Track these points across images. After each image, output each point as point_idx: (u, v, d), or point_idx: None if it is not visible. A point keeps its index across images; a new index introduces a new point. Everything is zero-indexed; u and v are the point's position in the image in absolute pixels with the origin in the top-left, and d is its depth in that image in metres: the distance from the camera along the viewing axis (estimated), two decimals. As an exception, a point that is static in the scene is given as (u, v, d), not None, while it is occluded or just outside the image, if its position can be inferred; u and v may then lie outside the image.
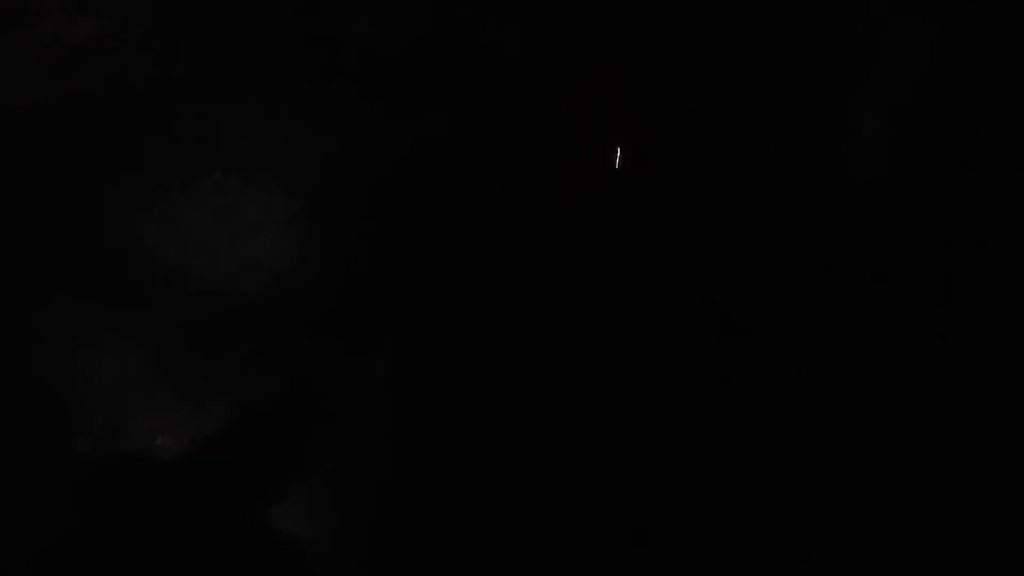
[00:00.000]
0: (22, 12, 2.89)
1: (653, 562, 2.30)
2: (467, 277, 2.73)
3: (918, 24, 2.78)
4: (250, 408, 2.47)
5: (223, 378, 2.57)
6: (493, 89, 2.94)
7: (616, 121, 2.88)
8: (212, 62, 3.02)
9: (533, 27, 2.99)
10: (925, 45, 2.76)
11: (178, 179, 2.86)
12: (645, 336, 2.58)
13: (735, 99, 2.82)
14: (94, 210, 2.81)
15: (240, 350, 2.61)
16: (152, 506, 2.29)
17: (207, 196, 2.86)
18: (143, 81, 2.92)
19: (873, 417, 2.45)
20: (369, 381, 2.56)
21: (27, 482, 2.34)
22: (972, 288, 2.57)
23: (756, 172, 2.77)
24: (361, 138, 2.97)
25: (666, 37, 2.90)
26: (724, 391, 2.49)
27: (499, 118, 2.94)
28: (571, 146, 2.87)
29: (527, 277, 2.72)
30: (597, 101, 2.91)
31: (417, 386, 2.57)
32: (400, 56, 3.05)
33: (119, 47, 2.96)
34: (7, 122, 2.85)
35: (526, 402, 2.53)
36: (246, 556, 2.25)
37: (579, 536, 2.36)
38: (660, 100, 2.87)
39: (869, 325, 2.55)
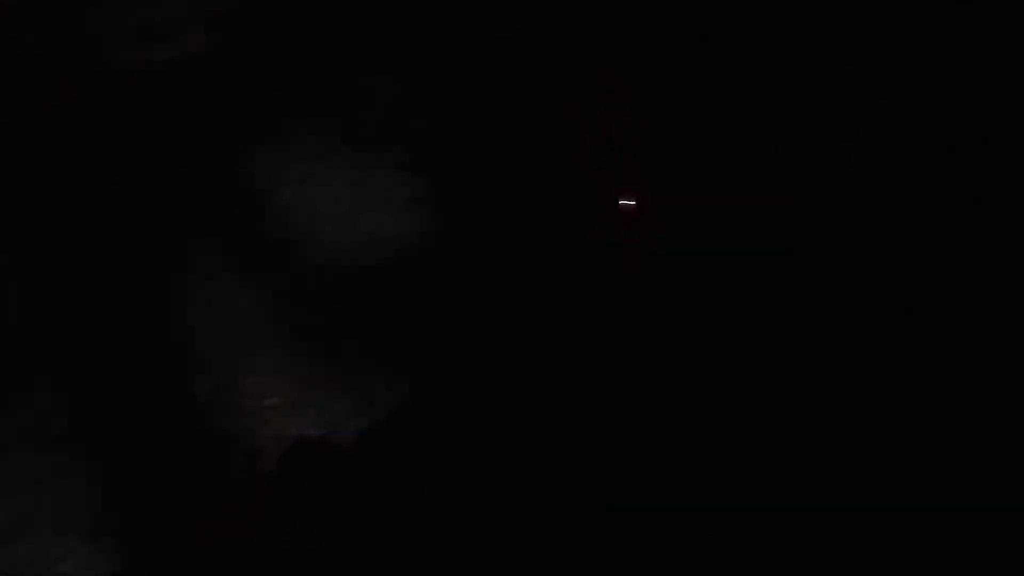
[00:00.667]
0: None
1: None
2: (581, 275, 2.67)
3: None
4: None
5: (334, 346, 2.57)
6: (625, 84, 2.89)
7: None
8: (358, 34, 3.05)
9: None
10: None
11: (315, 145, 2.90)
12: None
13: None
14: (229, 166, 2.89)
15: (352, 322, 2.62)
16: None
17: (340, 166, 2.89)
18: (290, 46, 3.01)
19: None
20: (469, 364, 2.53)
21: (137, 423, 2.42)
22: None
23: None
24: (494, 124, 2.94)
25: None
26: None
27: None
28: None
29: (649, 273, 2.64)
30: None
31: (512, 377, 2.52)
32: (542, 44, 3.02)
33: (269, 12, 3.05)
34: (161, 74, 2.99)
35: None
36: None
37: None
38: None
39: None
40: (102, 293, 2.68)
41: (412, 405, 2.45)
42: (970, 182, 2.64)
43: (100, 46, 2.99)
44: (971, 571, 2.15)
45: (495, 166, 2.88)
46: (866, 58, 2.83)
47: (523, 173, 2.86)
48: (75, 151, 2.95)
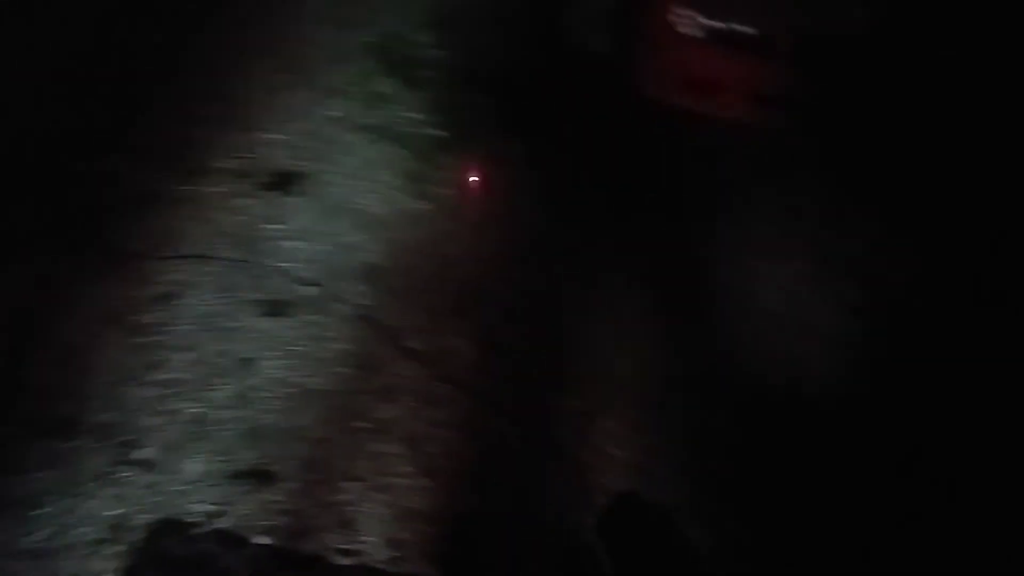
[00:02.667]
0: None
1: None
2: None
3: None
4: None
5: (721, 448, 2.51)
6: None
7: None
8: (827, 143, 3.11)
9: None
10: None
11: (771, 230, 2.95)
12: None
13: None
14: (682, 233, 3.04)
15: (747, 436, 2.54)
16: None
17: (787, 263, 2.89)
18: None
19: None
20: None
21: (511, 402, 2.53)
22: None
23: None
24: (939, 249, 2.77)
25: None
26: None
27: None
28: None
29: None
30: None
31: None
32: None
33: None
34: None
35: None
36: None
37: None
38: None
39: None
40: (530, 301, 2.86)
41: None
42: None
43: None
44: None
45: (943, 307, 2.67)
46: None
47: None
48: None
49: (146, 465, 2.15)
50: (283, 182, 2.93)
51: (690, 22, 3.23)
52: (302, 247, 2.76)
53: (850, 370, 2.64)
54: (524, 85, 3.59)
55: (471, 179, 3.14)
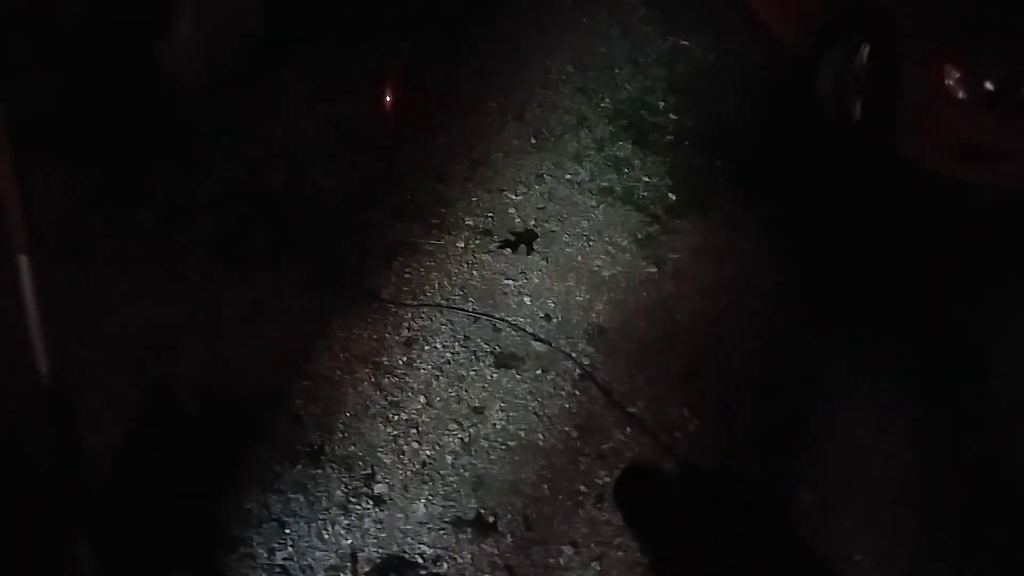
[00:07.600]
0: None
1: None
2: None
3: None
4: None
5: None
6: None
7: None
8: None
9: None
10: None
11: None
12: None
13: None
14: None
15: None
16: None
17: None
18: None
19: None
20: None
21: None
22: None
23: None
24: None
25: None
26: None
27: None
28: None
29: None
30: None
31: None
32: None
33: None
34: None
35: None
36: None
37: None
38: None
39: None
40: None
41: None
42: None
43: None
44: None
45: None
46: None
47: None
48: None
49: (379, 500, 2.24)
50: (521, 240, 3.00)
51: (965, 83, 2.92)
52: (535, 304, 2.79)
53: None
54: (766, 151, 3.44)
55: (703, 243, 3.03)
